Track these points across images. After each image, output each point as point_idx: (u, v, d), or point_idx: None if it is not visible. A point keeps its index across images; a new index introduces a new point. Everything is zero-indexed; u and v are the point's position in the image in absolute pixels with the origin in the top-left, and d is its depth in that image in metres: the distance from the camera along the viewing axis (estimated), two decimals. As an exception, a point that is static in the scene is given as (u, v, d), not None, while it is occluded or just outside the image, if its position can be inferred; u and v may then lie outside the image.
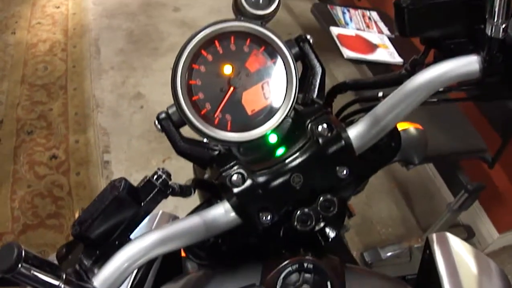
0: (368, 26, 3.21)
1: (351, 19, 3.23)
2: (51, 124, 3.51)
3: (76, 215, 2.91)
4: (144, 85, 3.85)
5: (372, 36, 3.10)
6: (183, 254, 1.12)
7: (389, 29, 3.22)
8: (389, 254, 2.67)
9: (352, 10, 3.33)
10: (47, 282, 0.61)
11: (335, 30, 3.01)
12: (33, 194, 3.04)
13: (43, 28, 4.48)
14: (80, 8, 4.75)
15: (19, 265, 0.58)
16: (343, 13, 3.28)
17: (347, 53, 2.79)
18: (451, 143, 2.42)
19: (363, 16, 3.31)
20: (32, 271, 0.59)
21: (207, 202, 0.86)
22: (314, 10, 3.32)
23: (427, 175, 3.21)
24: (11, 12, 4.63)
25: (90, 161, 3.26)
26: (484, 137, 2.47)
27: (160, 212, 1.07)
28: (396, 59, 2.89)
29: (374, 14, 3.36)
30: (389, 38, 3.10)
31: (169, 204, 0.98)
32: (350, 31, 3.09)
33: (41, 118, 3.54)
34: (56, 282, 0.61)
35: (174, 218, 1.05)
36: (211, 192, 0.91)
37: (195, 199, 0.88)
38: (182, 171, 0.82)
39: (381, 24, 3.27)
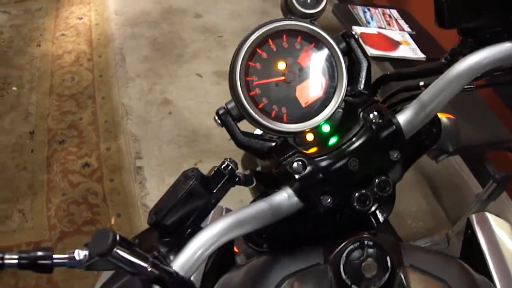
0: (389, 24, 3.25)
1: (372, 18, 3.27)
2: (82, 133, 3.55)
3: (112, 221, 2.97)
4: (171, 92, 3.89)
5: (394, 33, 3.13)
6: (236, 250, 1.18)
7: (409, 26, 3.25)
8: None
9: (372, 9, 3.37)
10: (137, 264, 0.65)
11: (357, 29, 3.05)
12: (68, 202, 3.09)
13: (68, 39, 4.53)
14: (102, 18, 4.79)
15: (115, 248, 0.63)
16: (364, 12, 3.32)
17: (371, 51, 2.83)
18: (477, 136, 2.45)
19: (384, 14, 3.35)
20: (124, 254, 0.64)
21: (262, 195, 0.91)
22: (335, 10, 3.35)
23: (453, 168, 3.24)
24: (35, 25, 4.69)
25: (123, 168, 3.30)
26: (507, 126, 2.51)
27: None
28: (419, 54, 2.93)
29: (394, 12, 3.39)
30: (410, 35, 3.13)
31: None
32: (372, 29, 3.13)
33: (71, 128, 3.59)
34: (145, 265, 0.66)
35: (227, 210, 1.10)
36: (265, 183, 0.96)
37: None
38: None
39: (402, 22, 3.30)
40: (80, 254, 0.67)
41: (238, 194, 0.98)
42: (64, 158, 3.37)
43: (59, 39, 4.55)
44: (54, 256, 0.66)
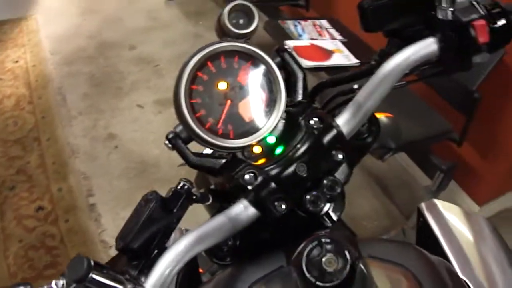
0: (320, 35, 3.32)
1: (303, 31, 3.34)
2: (31, 176, 3.52)
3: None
4: (114, 125, 3.90)
5: (326, 43, 3.21)
6: (201, 270, 1.21)
7: (340, 34, 3.33)
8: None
9: (302, 22, 3.45)
10: (114, 287, 0.70)
11: (290, 43, 3.12)
12: (26, 248, 3.04)
13: (5, 84, 4.49)
14: (38, 60, 4.77)
15: (90, 273, 0.66)
16: (295, 26, 3.39)
17: (305, 63, 2.89)
18: (419, 131, 2.53)
19: (314, 25, 3.42)
20: (100, 278, 0.68)
21: (219, 210, 0.95)
22: (267, 27, 3.42)
23: (400, 165, 3.31)
24: (-31, 75, 4.63)
25: (77, 207, 3.27)
26: (447, 118, 2.60)
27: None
28: (352, 60, 3.01)
29: (324, 22, 3.47)
30: (342, 43, 3.21)
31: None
32: (304, 42, 3.20)
33: (20, 173, 3.55)
34: (121, 287, 0.70)
35: (186, 230, 1.13)
36: (220, 199, 1.00)
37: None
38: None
39: (332, 31, 3.38)
40: (57, 284, 0.70)
41: (193, 218, 1.02)
42: (16, 204, 3.33)
43: (-4, 85, 4.50)
44: None
